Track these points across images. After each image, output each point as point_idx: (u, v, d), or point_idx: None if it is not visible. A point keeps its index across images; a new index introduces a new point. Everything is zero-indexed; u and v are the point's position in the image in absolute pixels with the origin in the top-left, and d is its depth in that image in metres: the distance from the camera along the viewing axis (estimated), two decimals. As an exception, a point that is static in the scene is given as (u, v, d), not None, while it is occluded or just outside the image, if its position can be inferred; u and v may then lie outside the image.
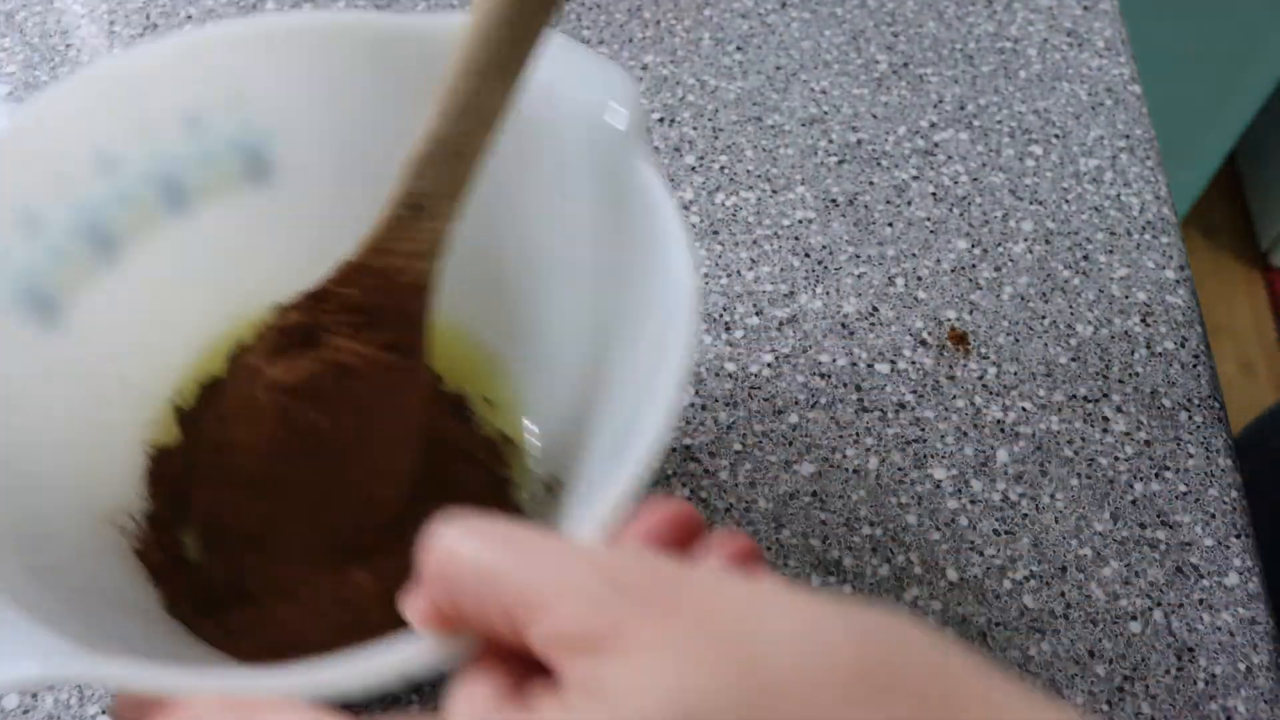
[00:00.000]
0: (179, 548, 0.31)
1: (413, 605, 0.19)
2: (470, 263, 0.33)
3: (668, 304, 0.25)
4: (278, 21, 0.31)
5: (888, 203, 0.44)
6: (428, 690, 0.32)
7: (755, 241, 0.43)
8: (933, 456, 0.38)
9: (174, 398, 0.33)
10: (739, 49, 0.49)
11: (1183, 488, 0.37)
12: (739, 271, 0.42)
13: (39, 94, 0.30)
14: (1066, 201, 0.45)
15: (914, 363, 0.40)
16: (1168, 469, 0.38)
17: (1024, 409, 0.39)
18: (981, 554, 0.36)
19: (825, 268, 0.42)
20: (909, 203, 0.45)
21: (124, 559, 0.30)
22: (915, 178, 0.45)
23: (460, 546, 0.17)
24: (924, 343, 0.40)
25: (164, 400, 0.34)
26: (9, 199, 0.29)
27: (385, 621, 0.28)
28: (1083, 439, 0.38)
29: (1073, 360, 0.40)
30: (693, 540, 0.21)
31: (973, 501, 0.37)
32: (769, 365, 0.39)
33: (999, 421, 0.39)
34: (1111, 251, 0.43)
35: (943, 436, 0.38)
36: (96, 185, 0.30)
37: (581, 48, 0.29)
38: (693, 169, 0.45)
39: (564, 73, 0.29)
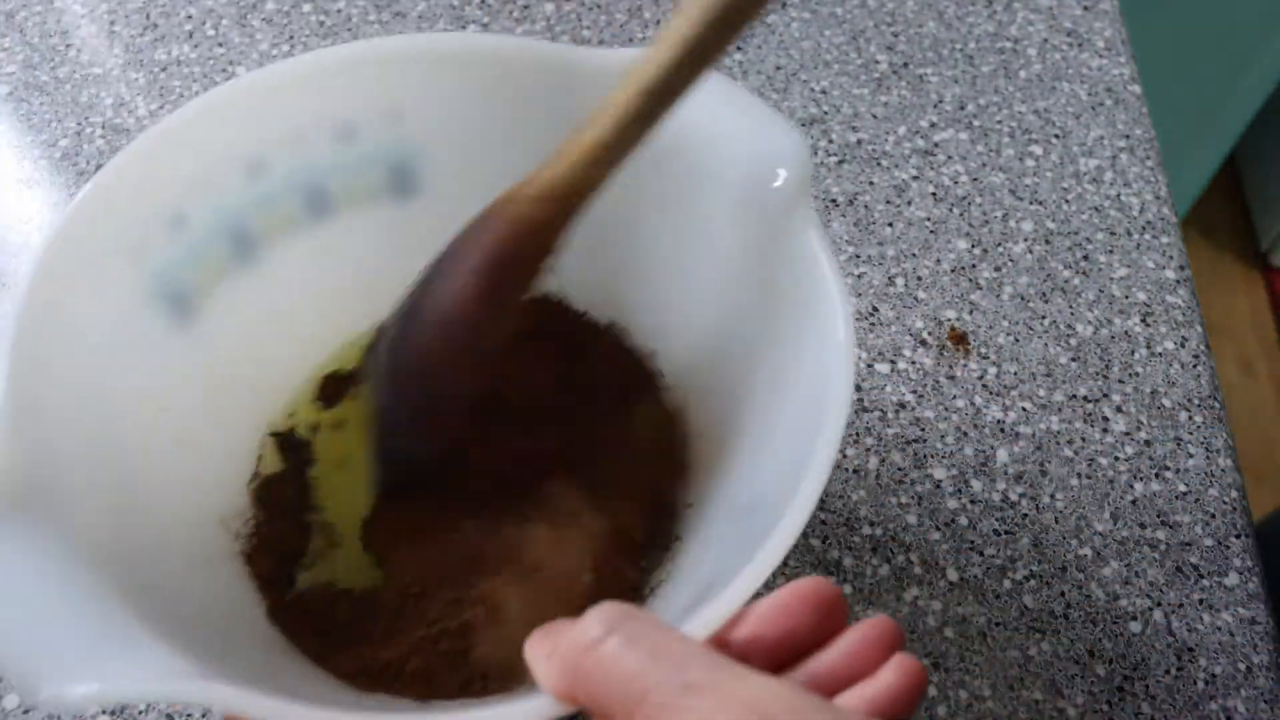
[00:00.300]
0: (289, 561, 0.31)
1: (545, 673, 0.19)
2: (605, 291, 0.34)
3: (822, 381, 0.25)
4: (437, 41, 0.31)
5: (888, 203, 0.44)
6: None
7: (755, 241, 0.43)
8: (933, 456, 0.38)
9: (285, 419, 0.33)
10: (739, 49, 0.49)
11: (1183, 488, 0.37)
12: (739, 271, 0.42)
13: (198, 96, 0.30)
14: (1066, 201, 0.45)
15: (914, 363, 0.40)
16: (1168, 469, 0.38)
17: (1024, 409, 0.39)
18: (981, 554, 0.36)
19: (825, 268, 0.42)
20: (909, 203, 0.45)
21: (232, 563, 0.30)
22: (915, 178, 0.45)
23: (609, 648, 0.17)
24: (924, 343, 0.40)
25: (281, 404, 0.34)
26: (157, 196, 0.29)
27: (487, 656, 0.28)
28: (1083, 439, 0.38)
29: (1073, 360, 0.40)
30: (833, 619, 0.20)
31: (973, 501, 0.37)
32: (769, 365, 0.39)
33: (999, 421, 0.39)
34: (1111, 251, 0.43)
35: (943, 436, 0.38)
36: (243, 188, 0.31)
37: (761, 103, 0.29)
38: (693, 169, 0.45)
39: (737, 124, 0.29)
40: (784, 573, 0.35)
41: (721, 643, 0.20)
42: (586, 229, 0.29)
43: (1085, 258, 0.43)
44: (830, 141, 0.46)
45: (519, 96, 0.32)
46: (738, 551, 0.22)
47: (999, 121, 0.47)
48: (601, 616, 0.18)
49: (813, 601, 0.20)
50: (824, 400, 0.24)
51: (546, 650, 0.19)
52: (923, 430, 0.38)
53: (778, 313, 0.29)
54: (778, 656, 0.20)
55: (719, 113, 0.29)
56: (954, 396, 0.39)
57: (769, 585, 0.31)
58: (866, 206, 0.44)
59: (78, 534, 0.23)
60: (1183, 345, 0.41)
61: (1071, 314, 0.42)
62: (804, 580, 0.21)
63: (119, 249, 0.28)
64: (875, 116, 0.47)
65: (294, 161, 0.31)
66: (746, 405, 0.30)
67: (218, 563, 0.29)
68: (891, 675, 0.19)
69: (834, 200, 0.44)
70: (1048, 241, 0.44)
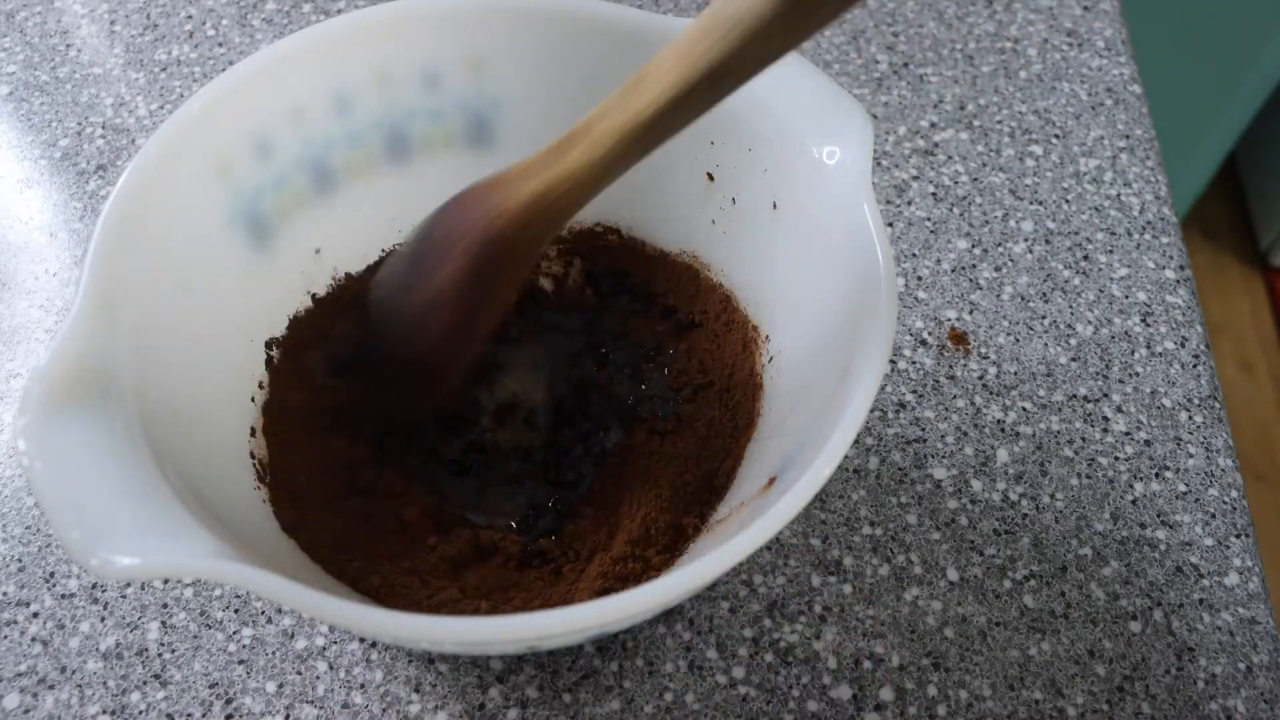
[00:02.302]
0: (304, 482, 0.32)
1: None
2: (680, 237, 0.35)
3: (858, 364, 0.25)
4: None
5: (888, 203, 0.45)
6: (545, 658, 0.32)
7: (755, 241, 0.43)
8: (933, 456, 0.38)
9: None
10: (739, 49, 0.49)
11: (1183, 488, 0.37)
12: (739, 271, 0.42)
13: (286, 35, 0.32)
14: (1066, 201, 0.45)
15: (914, 363, 0.40)
16: (1168, 469, 0.38)
17: (1024, 409, 0.39)
18: (981, 554, 0.36)
19: (825, 268, 0.42)
20: (909, 203, 0.45)
21: (249, 472, 0.31)
22: (915, 178, 0.45)
23: None
24: (924, 343, 0.40)
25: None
26: (247, 122, 0.30)
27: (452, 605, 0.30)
28: (1083, 439, 0.38)
29: (1073, 360, 0.40)
30: None
31: (973, 501, 0.37)
32: (769, 365, 0.39)
33: (999, 421, 0.39)
34: (1111, 251, 0.43)
35: (943, 436, 0.38)
36: (330, 124, 0.32)
37: (829, 82, 0.30)
38: (693, 169, 0.45)
39: (798, 99, 0.30)
40: (784, 571, 0.35)
41: None
42: (656, 178, 0.30)
43: (1085, 258, 0.43)
44: (830, 141, 0.46)
45: (598, 59, 0.33)
46: (752, 520, 0.23)
47: (999, 121, 0.48)
48: None
49: None
50: (851, 399, 0.24)
51: None
52: (923, 430, 0.38)
53: (824, 297, 0.29)
54: None
55: (781, 86, 0.30)
56: (954, 396, 0.39)
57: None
58: (866, 206, 0.44)
59: (138, 425, 0.24)
60: (1183, 345, 0.41)
61: (1071, 314, 0.42)
62: None
63: (207, 168, 0.30)
64: (875, 116, 0.47)
65: (380, 103, 0.32)
66: (798, 355, 0.31)
67: (239, 466, 0.30)
68: None
69: (834, 200, 0.44)
70: (1048, 241, 0.44)
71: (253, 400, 0.32)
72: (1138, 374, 0.40)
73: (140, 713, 0.32)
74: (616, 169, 0.26)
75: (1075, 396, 0.39)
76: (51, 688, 0.32)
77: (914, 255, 0.43)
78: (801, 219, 0.31)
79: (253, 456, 0.30)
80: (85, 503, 0.21)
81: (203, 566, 0.20)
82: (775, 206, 0.32)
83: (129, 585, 0.34)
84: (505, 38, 0.32)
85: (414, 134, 0.34)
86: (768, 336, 0.33)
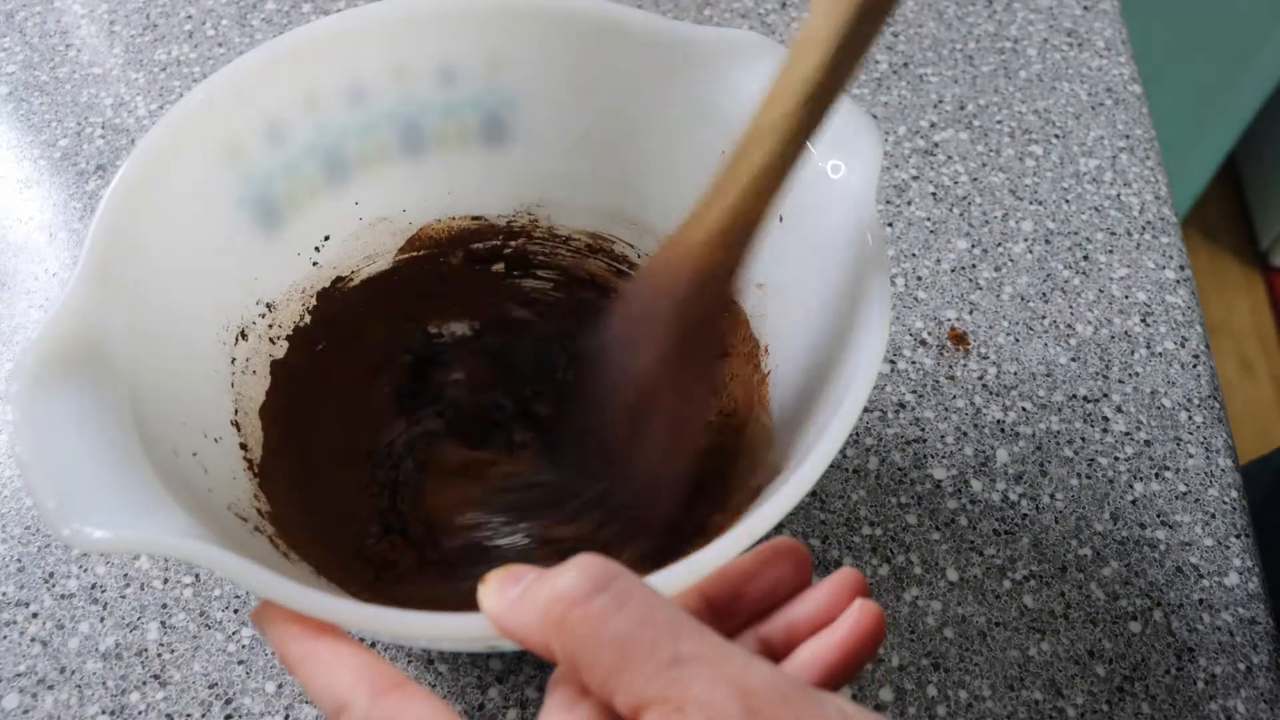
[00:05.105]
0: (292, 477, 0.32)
1: (518, 620, 0.18)
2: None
3: (846, 381, 0.25)
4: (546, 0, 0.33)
5: (888, 203, 0.44)
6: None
7: (755, 241, 0.43)
8: (933, 456, 0.38)
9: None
10: (739, 49, 0.49)
11: (1183, 488, 0.37)
12: (739, 271, 0.42)
13: (301, 25, 0.32)
14: (1066, 201, 0.45)
15: (914, 363, 0.40)
16: (1168, 469, 0.38)
17: (1024, 409, 0.39)
18: (981, 554, 0.36)
19: (825, 268, 0.42)
20: (909, 203, 0.45)
21: (239, 459, 0.31)
22: (915, 178, 0.45)
23: (597, 607, 0.17)
24: (924, 343, 0.40)
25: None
26: (259, 107, 0.30)
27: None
28: (1083, 439, 0.38)
29: (1073, 360, 0.40)
30: (803, 573, 0.21)
31: (973, 501, 0.37)
32: (769, 365, 0.39)
33: (999, 421, 0.39)
34: (1111, 251, 0.43)
35: (943, 436, 0.38)
36: (344, 113, 0.32)
37: (846, 100, 0.30)
38: (693, 169, 0.45)
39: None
40: (784, 573, 0.35)
41: (705, 596, 0.21)
42: (669, 187, 0.31)
43: (1085, 258, 0.43)
44: (830, 141, 0.46)
45: (613, 62, 0.33)
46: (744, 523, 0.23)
47: (999, 121, 0.47)
48: (588, 572, 0.17)
49: (789, 556, 0.21)
50: (836, 418, 0.24)
51: (514, 594, 0.18)
52: (923, 430, 0.38)
53: (818, 312, 0.29)
54: (757, 610, 0.21)
55: None
56: (954, 396, 0.39)
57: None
58: (866, 206, 0.44)
59: (128, 402, 0.24)
60: (1183, 345, 0.41)
61: (1071, 314, 0.41)
62: (779, 538, 0.21)
63: (218, 149, 0.30)
64: (875, 116, 0.47)
65: (395, 96, 0.33)
66: (799, 369, 0.31)
67: (237, 465, 0.30)
68: (849, 621, 0.19)
69: (834, 200, 0.44)
70: (1048, 241, 0.44)
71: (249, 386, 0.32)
72: (1138, 374, 0.40)
73: (140, 713, 0.32)
74: (790, 165, 0.25)
75: (1075, 396, 0.39)
76: (51, 688, 0.32)
77: (914, 255, 0.43)
78: (805, 233, 0.30)
79: (243, 448, 0.30)
80: (65, 473, 0.21)
81: (172, 544, 0.20)
82: (781, 220, 0.32)
83: (128, 585, 0.34)
84: (522, 38, 0.32)
85: (428, 128, 0.34)
86: (767, 348, 0.33)
